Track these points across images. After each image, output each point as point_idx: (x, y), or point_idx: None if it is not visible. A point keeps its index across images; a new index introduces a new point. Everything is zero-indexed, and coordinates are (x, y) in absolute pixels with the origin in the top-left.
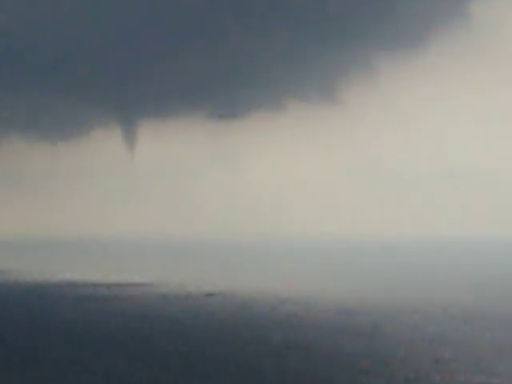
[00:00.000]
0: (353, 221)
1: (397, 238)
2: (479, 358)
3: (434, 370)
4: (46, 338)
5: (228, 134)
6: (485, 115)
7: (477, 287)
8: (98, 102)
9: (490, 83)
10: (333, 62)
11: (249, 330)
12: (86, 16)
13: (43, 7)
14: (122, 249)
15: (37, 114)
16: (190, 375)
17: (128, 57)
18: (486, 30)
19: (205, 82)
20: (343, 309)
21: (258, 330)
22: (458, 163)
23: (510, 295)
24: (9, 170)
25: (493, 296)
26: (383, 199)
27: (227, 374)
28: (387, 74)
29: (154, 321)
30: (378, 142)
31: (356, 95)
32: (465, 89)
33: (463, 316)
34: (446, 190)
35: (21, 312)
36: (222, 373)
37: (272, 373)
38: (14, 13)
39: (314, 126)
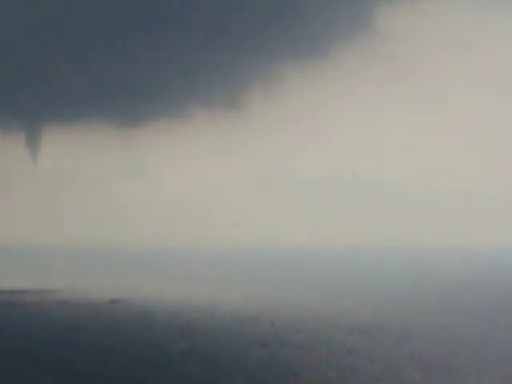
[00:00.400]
0: (253, 228)
1: (297, 246)
2: (383, 368)
3: (336, 380)
4: None
5: (134, 141)
6: (392, 125)
7: (380, 298)
8: None
9: (397, 93)
10: (239, 70)
11: (151, 338)
12: None
13: None
14: (26, 255)
15: None
16: None
17: (34, 57)
18: (392, 38)
19: (114, 89)
20: (245, 317)
21: (161, 338)
22: (361, 173)
23: (416, 306)
24: None
25: (397, 307)
26: (283, 207)
27: (127, 382)
28: (294, 82)
29: (56, 328)
30: (282, 151)
31: (262, 104)
32: (371, 99)
33: (365, 326)
34: (349, 199)
35: None
36: (121, 382)
37: (174, 382)
38: None
39: (220, 134)
